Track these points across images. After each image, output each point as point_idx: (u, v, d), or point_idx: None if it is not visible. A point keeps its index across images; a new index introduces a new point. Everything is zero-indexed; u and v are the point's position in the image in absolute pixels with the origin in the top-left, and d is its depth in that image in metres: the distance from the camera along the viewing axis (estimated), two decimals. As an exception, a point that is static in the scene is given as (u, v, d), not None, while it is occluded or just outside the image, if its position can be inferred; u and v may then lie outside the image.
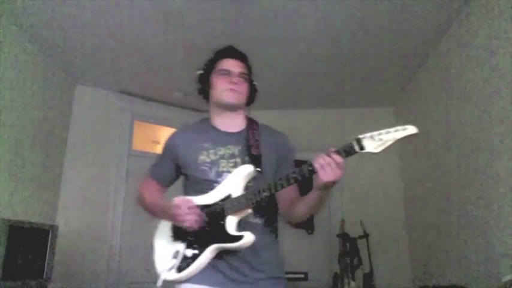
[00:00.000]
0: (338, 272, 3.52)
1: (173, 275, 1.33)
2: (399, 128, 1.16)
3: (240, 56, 1.54)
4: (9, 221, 2.56)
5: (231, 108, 1.49)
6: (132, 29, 3.00)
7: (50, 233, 2.93)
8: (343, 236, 3.56)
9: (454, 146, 2.91)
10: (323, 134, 4.19)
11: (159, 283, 1.33)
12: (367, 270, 3.50)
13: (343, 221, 3.69)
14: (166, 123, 4.50)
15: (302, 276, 3.43)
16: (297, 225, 3.74)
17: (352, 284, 3.35)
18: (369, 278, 3.48)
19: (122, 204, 3.92)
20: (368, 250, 3.54)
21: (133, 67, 3.63)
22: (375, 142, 1.15)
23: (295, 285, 3.61)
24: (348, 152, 1.18)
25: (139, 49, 3.30)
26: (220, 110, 1.51)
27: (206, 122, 1.55)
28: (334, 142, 1.41)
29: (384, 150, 1.14)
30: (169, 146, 1.54)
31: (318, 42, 3.16)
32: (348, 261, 3.46)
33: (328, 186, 1.21)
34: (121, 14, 2.81)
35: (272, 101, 4.27)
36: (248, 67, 1.55)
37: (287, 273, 3.90)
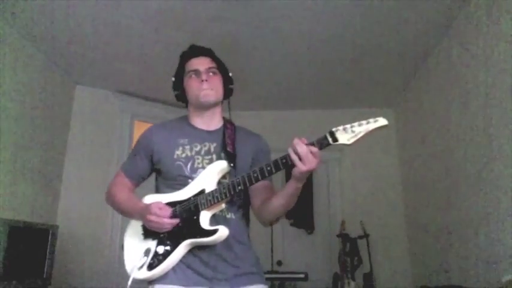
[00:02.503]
0: (338, 272, 3.53)
1: (144, 274, 1.30)
2: (371, 120, 1.21)
3: (204, 52, 1.52)
4: (9, 221, 2.56)
5: (209, 106, 1.48)
6: (132, 29, 3.00)
7: (50, 233, 2.93)
8: (343, 236, 3.56)
9: (453, 146, 2.91)
10: (323, 135, 4.19)
11: (129, 283, 1.28)
12: (367, 270, 3.51)
13: (343, 221, 3.69)
14: (166, 123, 4.51)
15: (302, 276, 3.42)
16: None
17: (352, 284, 3.35)
18: (369, 278, 3.49)
19: (121, 204, 3.91)
20: (368, 250, 3.54)
21: (133, 67, 3.63)
22: (347, 134, 1.19)
23: (295, 285, 3.61)
24: (321, 143, 1.20)
25: (139, 49, 3.30)
26: (199, 110, 1.50)
27: (184, 120, 1.54)
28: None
29: (356, 141, 1.19)
30: (143, 141, 1.51)
31: (318, 42, 3.16)
32: (348, 261, 3.46)
33: (303, 175, 1.22)
34: (121, 14, 2.81)
35: (272, 101, 4.27)
36: (216, 60, 1.53)
37: (287, 273, 3.89)
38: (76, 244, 3.52)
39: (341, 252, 3.54)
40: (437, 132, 3.20)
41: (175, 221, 1.30)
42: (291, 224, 4.10)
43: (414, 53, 3.28)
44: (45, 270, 2.83)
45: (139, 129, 4.29)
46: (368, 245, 3.55)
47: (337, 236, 3.63)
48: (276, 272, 3.55)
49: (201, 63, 1.48)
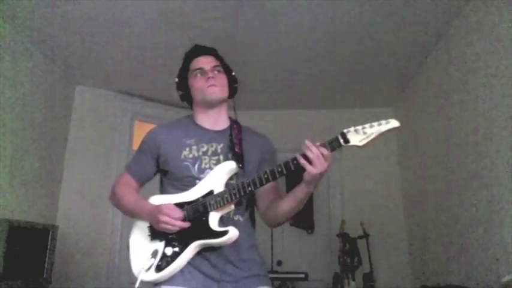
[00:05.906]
0: (338, 272, 3.52)
1: (152, 275, 1.28)
2: (382, 121, 1.22)
3: (208, 51, 1.53)
4: (9, 221, 2.56)
5: (215, 104, 1.47)
6: (132, 29, 3.00)
7: (50, 233, 2.93)
8: (343, 236, 3.56)
9: (453, 146, 2.91)
10: (323, 135, 4.18)
11: (137, 284, 1.26)
12: (367, 270, 3.51)
13: (343, 221, 3.69)
14: (166, 123, 4.50)
15: (302, 276, 3.43)
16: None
17: (352, 284, 3.35)
18: (369, 278, 3.49)
19: (121, 204, 3.91)
20: (368, 250, 3.54)
21: (133, 67, 3.63)
22: (359, 136, 1.19)
23: (295, 285, 3.61)
24: (333, 145, 1.19)
25: (140, 49, 3.30)
26: (205, 109, 1.49)
27: (189, 120, 1.53)
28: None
29: (368, 143, 1.18)
30: (149, 141, 1.48)
31: (318, 42, 3.16)
32: (348, 261, 3.46)
33: (315, 179, 1.21)
34: (121, 14, 2.81)
35: (272, 101, 4.27)
36: (220, 59, 1.53)
37: (287, 273, 3.89)
38: (76, 244, 3.52)
39: (341, 252, 3.53)
40: (437, 132, 3.20)
41: (187, 224, 1.28)
42: (291, 224, 4.10)
43: (414, 53, 3.28)
44: (45, 270, 2.83)
45: (140, 129, 4.29)
46: (368, 245, 3.55)
47: (337, 236, 3.63)
48: (276, 272, 3.56)
49: (206, 62, 1.48)
